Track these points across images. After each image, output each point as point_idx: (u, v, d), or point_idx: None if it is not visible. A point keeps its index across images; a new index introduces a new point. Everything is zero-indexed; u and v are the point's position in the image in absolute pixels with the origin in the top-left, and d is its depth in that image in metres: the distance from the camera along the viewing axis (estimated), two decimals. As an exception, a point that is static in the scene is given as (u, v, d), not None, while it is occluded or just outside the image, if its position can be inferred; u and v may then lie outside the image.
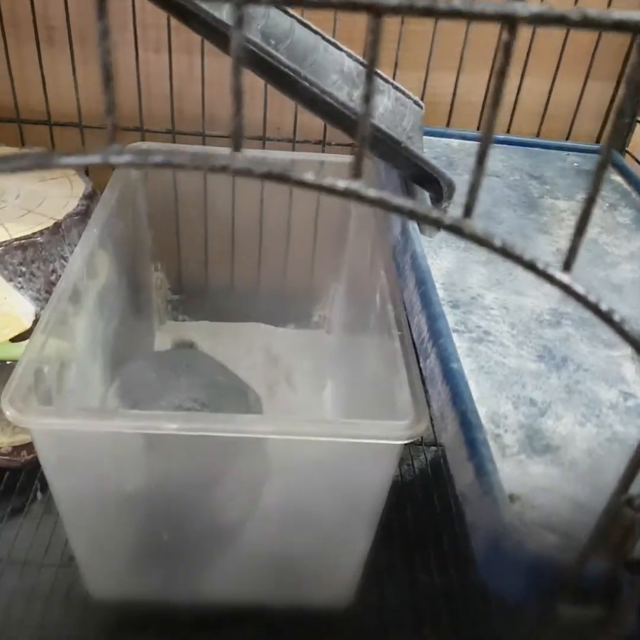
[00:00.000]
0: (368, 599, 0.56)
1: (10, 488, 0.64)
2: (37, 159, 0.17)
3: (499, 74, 0.18)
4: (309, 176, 0.21)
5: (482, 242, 0.22)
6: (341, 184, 0.21)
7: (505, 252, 0.23)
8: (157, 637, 0.53)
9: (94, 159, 0.18)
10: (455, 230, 0.22)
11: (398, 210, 0.22)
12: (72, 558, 0.56)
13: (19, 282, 0.56)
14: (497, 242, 0.22)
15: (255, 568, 0.52)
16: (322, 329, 0.80)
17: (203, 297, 0.78)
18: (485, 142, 0.19)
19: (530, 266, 0.23)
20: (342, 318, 0.75)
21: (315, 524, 0.49)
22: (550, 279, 0.21)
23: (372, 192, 0.22)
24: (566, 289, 0.20)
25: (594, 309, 0.20)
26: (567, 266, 0.21)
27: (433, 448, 0.70)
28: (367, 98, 0.18)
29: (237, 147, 0.19)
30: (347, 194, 0.21)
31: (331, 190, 0.21)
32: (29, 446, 0.64)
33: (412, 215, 0.22)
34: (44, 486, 0.64)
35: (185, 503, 0.46)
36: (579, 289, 0.20)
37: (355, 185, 0.21)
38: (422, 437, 0.71)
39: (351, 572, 0.53)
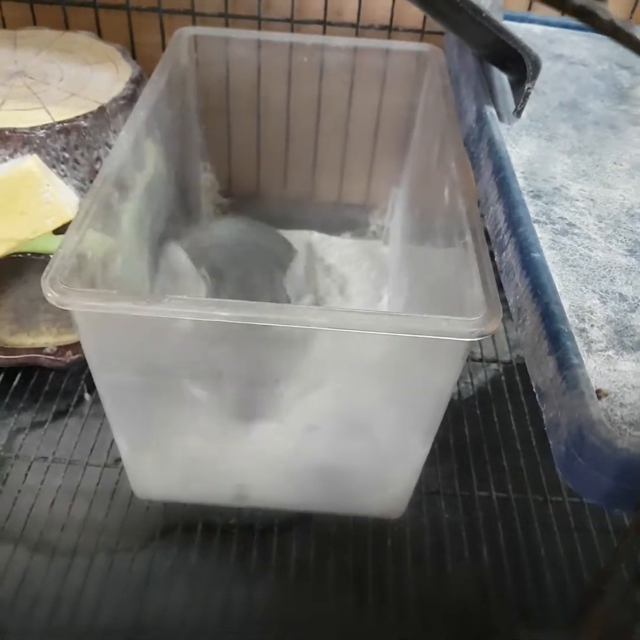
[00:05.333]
0: (421, 514, 0.54)
1: (55, 390, 0.63)
2: None
3: None
4: None
5: (619, 32, 0.18)
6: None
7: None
8: (202, 539, 0.52)
9: None
10: (586, 14, 0.18)
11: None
12: (119, 459, 0.55)
13: (62, 170, 0.53)
14: None
15: (305, 475, 0.50)
16: (379, 239, 0.76)
17: (254, 202, 0.75)
18: None
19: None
20: (402, 228, 0.70)
21: (369, 429, 0.46)
22: None
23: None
24: None
25: None
26: None
27: (493, 365, 0.66)
28: None
29: None
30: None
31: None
32: (75, 346, 0.63)
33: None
34: (91, 387, 0.63)
35: (233, 396, 0.44)
36: None
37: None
38: (482, 354, 0.67)
39: (404, 484, 0.50)
